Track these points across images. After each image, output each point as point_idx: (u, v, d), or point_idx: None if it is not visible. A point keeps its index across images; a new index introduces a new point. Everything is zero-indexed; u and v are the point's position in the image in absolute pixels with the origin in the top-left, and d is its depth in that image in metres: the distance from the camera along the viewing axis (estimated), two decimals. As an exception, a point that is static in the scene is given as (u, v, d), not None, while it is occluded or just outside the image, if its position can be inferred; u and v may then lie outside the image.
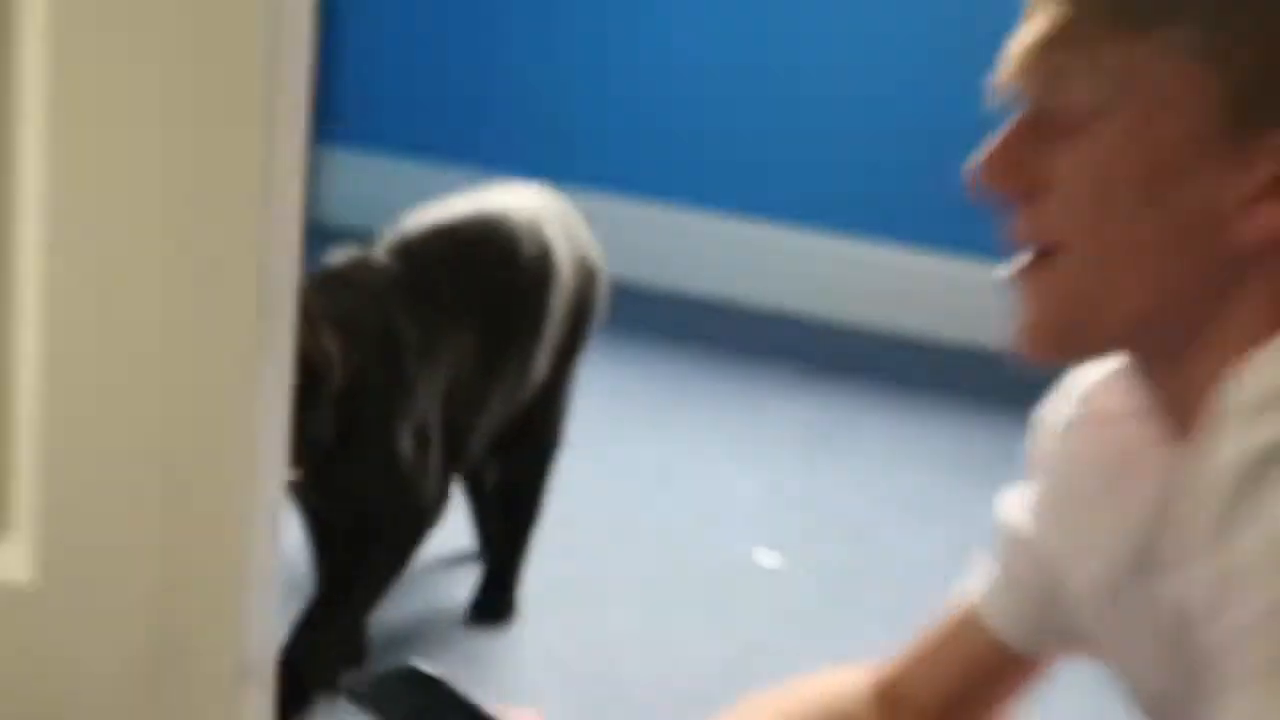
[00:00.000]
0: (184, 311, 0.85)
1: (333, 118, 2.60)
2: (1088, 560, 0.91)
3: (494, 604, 1.42)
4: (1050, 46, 0.78)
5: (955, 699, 1.03)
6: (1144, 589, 0.85)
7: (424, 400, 1.29)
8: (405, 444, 1.27)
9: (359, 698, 0.94)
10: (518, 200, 1.35)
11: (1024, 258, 0.80)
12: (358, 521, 1.34)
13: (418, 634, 1.44)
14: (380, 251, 1.29)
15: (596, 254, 1.40)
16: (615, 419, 1.96)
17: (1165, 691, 0.87)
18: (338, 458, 1.23)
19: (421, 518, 1.29)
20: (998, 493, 0.99)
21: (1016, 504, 0.97)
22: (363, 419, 1.24)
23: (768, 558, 1.64)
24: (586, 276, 1.37)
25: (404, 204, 1.47)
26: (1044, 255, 0.79)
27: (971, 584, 1.01)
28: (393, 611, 1.43)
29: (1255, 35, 0.75)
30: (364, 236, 1.43)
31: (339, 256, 1.29)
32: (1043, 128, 0.79)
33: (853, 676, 1.06)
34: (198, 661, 0.90)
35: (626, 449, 1.88)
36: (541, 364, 1.34)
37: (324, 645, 1.27)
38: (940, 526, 1.78)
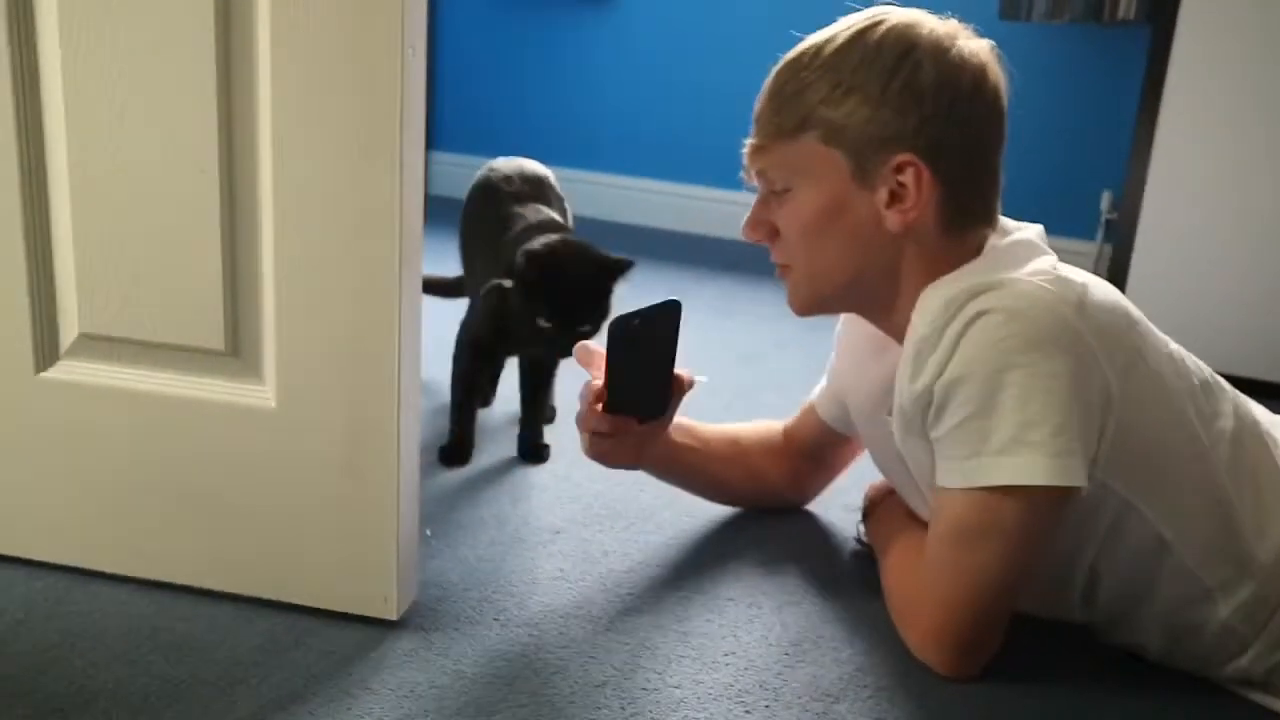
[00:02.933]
0: (360, 254, 1.09)
1: (436, 133, 3.45)
2: (859, 393, 1.31)
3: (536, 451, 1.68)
4: (752, 156, 1.17)
5: (813, 447, 1.49)
6: (880, 417, 1.21)
7: None
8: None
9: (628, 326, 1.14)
10: (523, 162, 1.80)
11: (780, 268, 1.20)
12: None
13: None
14: (511, 194, 1.66)
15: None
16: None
17: (896, 479, 1.30)
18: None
19: None
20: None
21: (835, 348, 1.41)
22: None
23: (701, 377, 1.88)
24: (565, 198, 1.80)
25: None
26: (786, 267, 1.20)
27: (816, 388, 1.48)
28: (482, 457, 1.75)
29: (850, 124, 1.11)
30: (456, 202, 1.82)
31: (527, 210, 1.64)
32: (770, 199, 1.18)
33: (777, 423, 1.52)
34: (377, 453, 1.14)
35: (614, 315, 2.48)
36: None
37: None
38: (799, 354, 2.17)
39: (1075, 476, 1.05)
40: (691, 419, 1.45)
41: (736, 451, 1.48)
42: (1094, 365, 1.06)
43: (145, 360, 1.20)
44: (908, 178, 1.12)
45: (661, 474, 1.43)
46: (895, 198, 1.13)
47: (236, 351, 1.18)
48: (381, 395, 1.15)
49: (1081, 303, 1.08)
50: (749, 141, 1.19)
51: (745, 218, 1.21)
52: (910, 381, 1.12)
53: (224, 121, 1.11)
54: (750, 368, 2.21)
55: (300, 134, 1.09)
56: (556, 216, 1.68)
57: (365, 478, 1.18)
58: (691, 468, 1.44)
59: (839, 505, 1.57)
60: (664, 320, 1.20)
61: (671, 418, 1.32)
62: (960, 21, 1.17)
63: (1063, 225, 2.97)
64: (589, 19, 3.44)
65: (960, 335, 1.06)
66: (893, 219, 1.13)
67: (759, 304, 2.59)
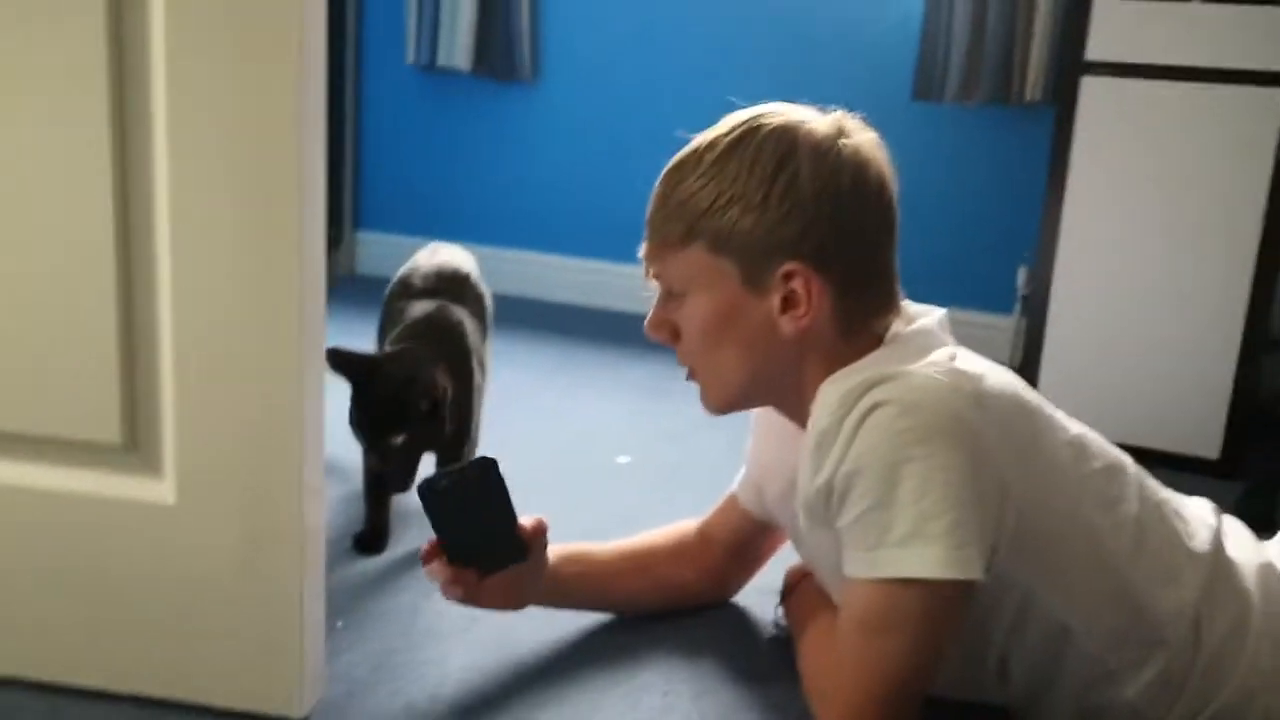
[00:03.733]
0: (262, 342, 1.08)
1: (363, 213, 3.50)
2: (776, 480, 1.30)
3: None
4: (646, 260, 1.19)
5: (738, 542, 1.47)
6: (790, 507, 1.21)
7: (474, 364, 1.63)
8: (475, 394, 1.61)
9: (434, 490, 1.14)
10: (452, 251, 1.82)
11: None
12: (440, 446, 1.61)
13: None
14: (420, 290, 1.68)
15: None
16: (532, 380, 2.57)
17: (811, 563, 1.30)
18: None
19: (474, 439, 1.66)
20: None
21: (752, 431, 1.40)
22: (454, 377, 1.54)
23: (623, 458, 2.09)
24: (487, 293, 1.81)
25: (401, 258, 1.90)
26: (692, 372, 1.21)
27: (737, 478, 1.46)
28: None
29: (735, 233, 1.11)
30: (383, 280, 1.83)
31: (419, 308, 1.65)
32: (669, 299, 1.18)
33: (689, 523, 1.49)
34: (280, 548, 1.13)
35: (536, 396, 2.45)
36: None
37: None
38: (724, 432, 1.99)
39: (972, 569, 1.05)
40: (585, 543, 1.43)
41: (641, 566, 1.45)
42: (989, 456, 1.07)
43: (38, 455, 1.16)
44: (797, 285, 1.12)
45: (559, 605, 1.40)
46: (788, 304, 1.13)
47: (134, 445, 1.15)
48: (285, 488, 1.13)
49: (977, 393, 1.09)
50: (642, 246, 1.19)
51: (647, 318, 1.22)
52: (812, 476, 1.12)
53: (120, 204, 1.09)
54: (676, 446, 2.20)
55: (198, 217, 1.08)
56: (447, 316, 1.66)
57: (268, 573, 1.15)
58: (590, 594, 1.42)
59: (755, 589, 1.56)
60: (478, 479, 1.18)
61: (542, 562, 1.30)
62: (848, 113, 1.18)
63: (981, 301, 3.03)
64: (515, 98, 3.47)
65: (857, 427, 1.07)
66: (787, 325, 1.14)
67: (684, 385, 2.58)
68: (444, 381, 1.50)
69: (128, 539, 1.16)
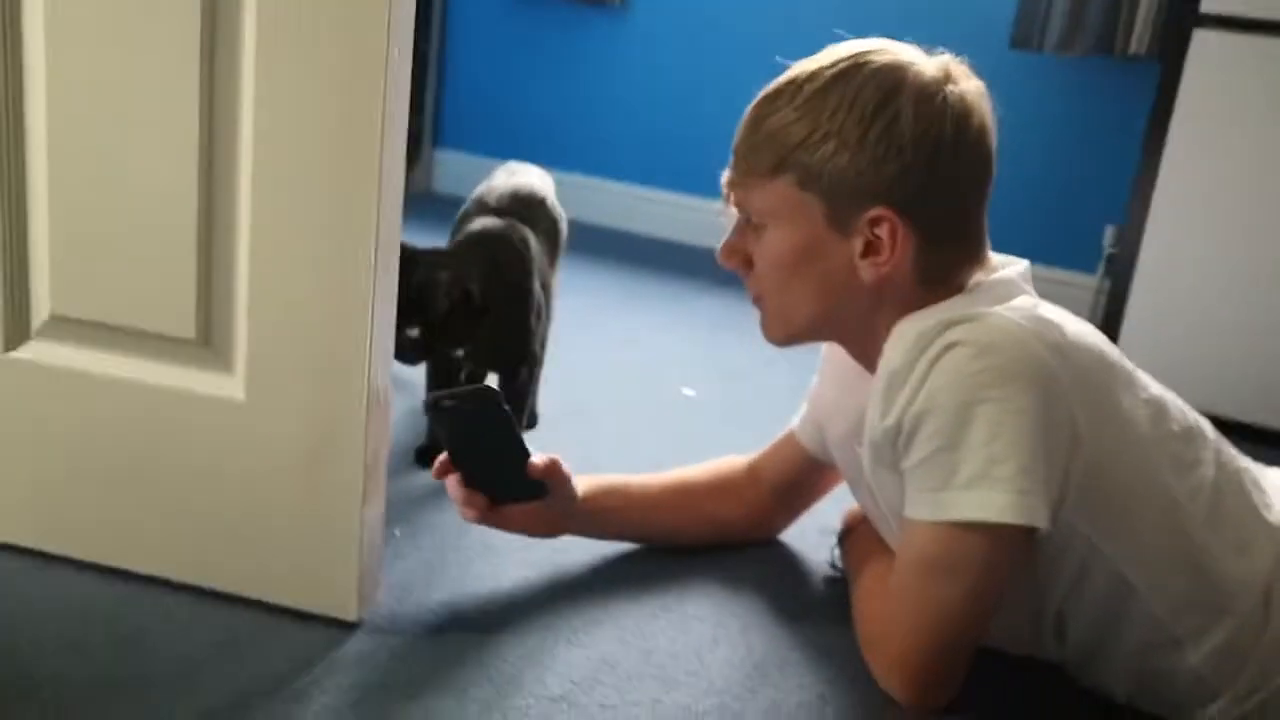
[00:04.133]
0: (336, 250, 1.09)
1: (443, 131, 3.54)
2: (838, 420, 1.29)
3: (528, 418, 1.75)
4: (728, 188, 1.16)
5: (789, 481, 1.45)
6: (854, 446, 1.20)
7: (536, 285, 1.62)
8: (534, 313, 1.60)
9: (440, 409, 1.14)
10: (530, 172, 1.80)
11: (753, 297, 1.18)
12: (498, 364, 1.66)
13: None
14: (493, 209, 1.65)
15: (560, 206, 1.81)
16: (603, 307, 2.58)
17: (868, 508, 1.28)
18: (487, 325, 1.53)
19: (537, 358, 1.66)
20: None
21: (819, 370, 1.38)
22: (507, 298, 1.56)
23: (689, 390, 2.09)
24: (562, 217, 1.79)
25: (479, 178, 1.87)
26: (759, 298, 1.18)
27: (796, 417, 1.44)
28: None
29: (826, 172, 1.09)
30: (459, 199, 1.80)
31: (485, 223, 1.63)
32: (746, 229, 1.16)
33: (737, 458, 1.47)
34: (342, 451, 1.13)
35: (605, 324, 2.45)
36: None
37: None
38: (788, 373, 1.94)
39: (1037, 516, 1.03)
40: (626, 475, 1.42)
41: (684, 499, 1.43)
42: (1063, 405, 1.04)
43: (115, 345, 1.18)
44: (883, 231, 1.10)
45: (597, 537, 1.39)
46: (870, 249, 1.11)
47: (207, 341, 1.17)
48: (351, 394, 1.14)
49: (1056, 342, 1.06)
50: (725, 173, 1.17)
51: (721, 243, 1.19)
52: (880, 417, 1.10)
53: (205, 111, 1.10)
54: (738, 384, 2.19)
55: (282, 127, 1.08)
56: (510, 234, 1.64)
57: (332, 477, 1.16)
58: (631, 527, 1.41)
59: (815, 528, 1.55)
60: (479, 406, 1.16)
61: (568, 496, 1.28)
62: (955, 58, 1.14)
63: (1065, 258, 2.97)
64: (603, 22, 3.43)
65: (931, 366, 1.05)
66: (867, 271, 1.11)
67: (752, 322, 2.58)
68: (473, 287, 1.49)
69: (197, 433, 1.18)
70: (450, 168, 3.61)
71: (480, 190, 1.76)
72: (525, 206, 1.70)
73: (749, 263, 1.18)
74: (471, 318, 1.50)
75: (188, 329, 1.16)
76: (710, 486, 1.46)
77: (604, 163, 3.50)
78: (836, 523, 1.48)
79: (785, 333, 1.20)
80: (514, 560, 1.40)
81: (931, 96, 1.09)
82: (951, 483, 1.05)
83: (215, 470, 1.19)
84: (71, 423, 1.21)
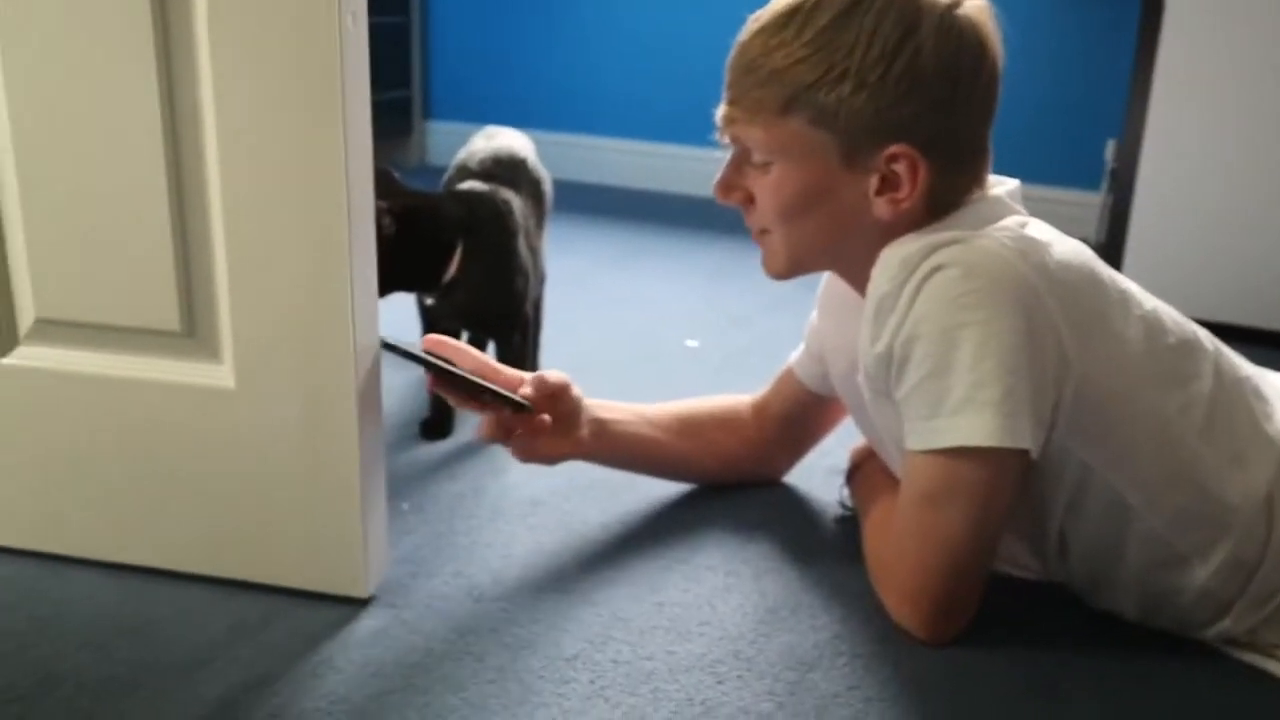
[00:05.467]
0: (309, 227, 1.07)
1: (432, 103, 3.55)
2: (838, 353, 1.27)
3: None
4: (726, 122, 1.11)
5: (792, 416, 1.45)
6: (855, 378, 1.18)
7: (522, 246, 1.58)
8: (520, 275, 1.58)
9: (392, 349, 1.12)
10: (509, 135, 1.78)
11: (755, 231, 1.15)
12: (487, 328, 1.66)
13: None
14: (475, 174, 1.63)
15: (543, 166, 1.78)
16: (601, 265, 2.57)
17: (873, 440, 1.29)
18: (472, 288, 1.52)
19: (528, 321, 1.63)
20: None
21: (817, 306, 1.37)
22: (491, 260, 1.53)
23: (692, 342, 2.08)
24: (546, 177, 1.76)
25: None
26: (762, 232, 1.16)
27: (794, 352, 1.44)
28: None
29: (843, 110, 1.05)
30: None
31: (460, 187, 1.60)
32: (744, 162, 1.13)
33: (742, 397, 1.49)
34: (337, 428, 1.12)
35: (604, 282, 2.44)
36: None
37: None
38: (791, 315, 2.01)
39: (1023, 439, 1.02)
40: (635, 404, 1.41)
41: (691, 428, 1.42)
42: (1050, 326, 1.02)
43: (103, 343, 1.18)
44: (901, 167, 1.07)
45: (605, 461, 1.38)
46: (886, 185, 1.08)
47: (192, 332, 1.16)
48: (340, 372, 1.13)
49: (1043, 262, 1.04)
50: (723, 107, 1.12)
51: (716, 177, 1.16)
52: (871, 344, 1.09)
53: (165, 99, 1.08)
54: (741, 330, 2.18)
55: (243, 106, 1.07)
56: (493, 195, 1.62)
57: (328, 456, 1.16)
58: (638, 451, 1.39)
59: (823, 468, 1.54)
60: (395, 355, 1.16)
61: (569, 413, 1.27)
62: None
63: (1069, 176, 2.93)
64: (582, -19, 3.39)
65: (917, 291, 1.03)
66: (882, 207, 1.09)
67: (753, 267, 2.57)
68: (383, 218, 1.43)
69: (193, 423, 1.18)
70: (443, 138, 3.59)
71: (460, 156, 1.75)
72: (506, 169, 1.69)
73: (750, 198, 1.15)
74: (394, 249, 1.42)
75: (171, 321, 1.15)
76: (716, 419, 1.45)
77: (590, 120, 3.47)
78: (844, 461, 1.47)
79: (789, 268, 1.18)
80: (524, 525, 1.40)
81: (949, 27, 1.05)
82: (940, 409, 1.03)
83: (213, 459, 1.19)
84: (68, 424, 1.21)
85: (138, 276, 1.14)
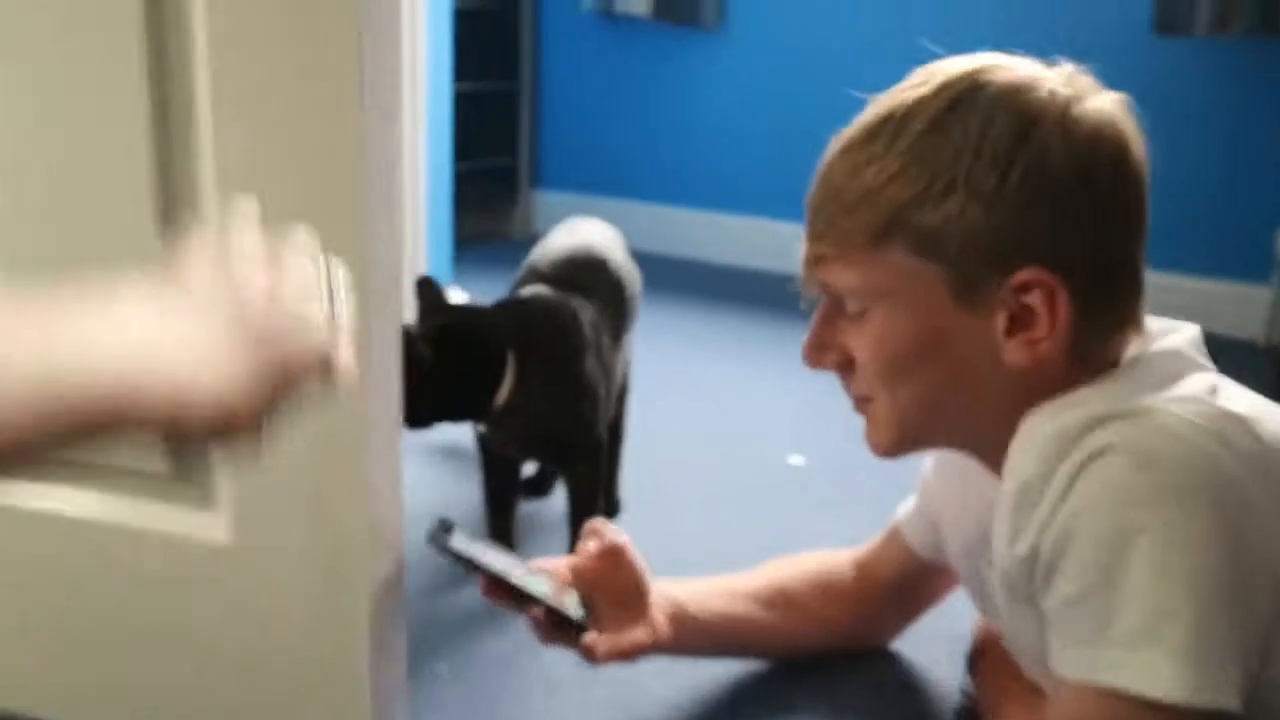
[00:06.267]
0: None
1: (541, 172, 3.44)
2: (956, 526, 1.07)
3: (608, 505, 1.55)
4: (812, 266, 0.92)
5: (898, 581, 1.23)
6: (979, 566, 0.99)
7: (591, 364, 1.39)
8: (587, 398, 1.38)
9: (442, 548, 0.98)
10: (592, 230, 1.58)
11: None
12: (551, 458, 1.49)
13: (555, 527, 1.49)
14: (547, 276, 1.46)
15: (633, 264, 1.59)
16: (696, 356, 2.36)
17: (1002, 633, 1.04)
18: (529, 413, 1.34)
19: (600, 448, 1.42)
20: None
21: (934, 459, 1.13)
22: (551, 380, 1.35)
23: (797, 459, 1.85)
24: (632, 278, 1.57)
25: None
26: (865, 400, 0.94)
27: (904, 506, 1.20)
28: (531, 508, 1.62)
29: (952, 232, 0.85)
30: None
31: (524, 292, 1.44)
32: (837, 314, 0.93)
33: (841, 554, 1.26)
34: (351, 592, 0.95)
35: (700, 378, 2.23)
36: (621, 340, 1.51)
37: None
38: None
39: (1224, 694, 0.76)
40: (716, 577, 1.21)
41: (786, 598, 1.22)
42: (1259, 531, 0.78)
43: (84, 482, 1.01)
44: (1035, 299, 0.85)
45: (694, 649, 1.17)
46: (1018, 324, 0.86)
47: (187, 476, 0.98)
48: (350, 530, 0.93)
49: (1249, 448, 0.80)
50: (805, 247, 0.92)
51: (805, 338, 0.95)
52: (1010, 543, 0.86)
53: (160, 150, 0.91)
54: (856, 447, 1.90)
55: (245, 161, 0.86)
56: (557, 307, 1.43)
57: (333, 625, 0.96)
58: (731, 632, 1.19)
59: (943, 636, 1.29)
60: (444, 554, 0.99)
61: (629, 584, 1.09)
62: (1076, 67, 0.89)
63: (1231, 268, 2.62)
64: (699, 49, 3.21)
65: (1074, 478, 0.80)
66: (1016, 351, 0.87)
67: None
68: (419, 341, 1.27)
69: (187, 580, 1.00)
70: (551, 209, 3.42)
71: (534, 254, 1.55)
72: (583, 271, 1.49)
73: (848, 360, 0.94)
74: (431, 376, 1.27)
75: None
76: (816, 585, 1.24)
77: (709, 194, 3.27)
78: (967, 627, 1.22)
79: (899, 440, 0.95)
80: (578, 703, 1.18)
81: (1077, 121, 0.85)
82: (1107, 635, 0.79)
83: (203, 622, 1.01)
84: (41, 573, 1.05)
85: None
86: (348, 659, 0.97)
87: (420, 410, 1.26)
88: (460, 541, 0.98)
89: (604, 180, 3.38)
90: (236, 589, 0.99)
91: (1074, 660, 0.83)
